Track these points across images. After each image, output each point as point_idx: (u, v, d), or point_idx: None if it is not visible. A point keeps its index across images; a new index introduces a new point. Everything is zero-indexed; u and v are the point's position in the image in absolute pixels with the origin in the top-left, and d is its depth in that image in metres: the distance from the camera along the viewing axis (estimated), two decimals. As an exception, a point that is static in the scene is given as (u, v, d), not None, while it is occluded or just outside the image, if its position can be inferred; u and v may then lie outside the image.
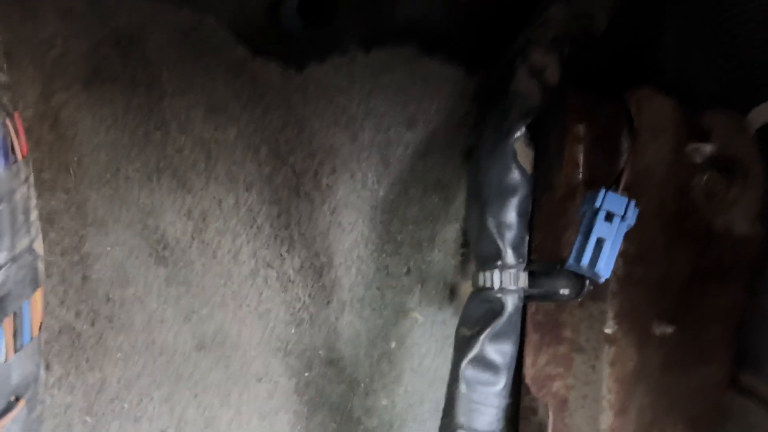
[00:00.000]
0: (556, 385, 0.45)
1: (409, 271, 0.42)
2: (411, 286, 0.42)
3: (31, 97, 0.41)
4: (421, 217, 0.42)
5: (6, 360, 0.31)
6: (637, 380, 0.43)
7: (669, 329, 0.42)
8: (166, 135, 0.41)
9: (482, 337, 0.34)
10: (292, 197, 0.41)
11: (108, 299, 0.41)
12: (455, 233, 0.42)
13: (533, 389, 0.44)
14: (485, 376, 0.34)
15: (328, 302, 0.42)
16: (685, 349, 0.43)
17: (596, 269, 0.34)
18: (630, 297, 0.43)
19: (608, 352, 0.43)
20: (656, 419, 0.44)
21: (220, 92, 0.41)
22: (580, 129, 0.43)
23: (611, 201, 0.34)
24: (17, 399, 0.31)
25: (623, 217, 0.34)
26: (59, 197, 0.41)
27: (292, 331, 0.42)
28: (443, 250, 0.42)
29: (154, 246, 0.41)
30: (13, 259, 0.33)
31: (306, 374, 0.42)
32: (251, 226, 0.42)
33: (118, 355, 0.40)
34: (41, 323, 0.34)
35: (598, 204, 0.34)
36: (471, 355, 0.34)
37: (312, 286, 0.42)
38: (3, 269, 0.32)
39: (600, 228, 0.34)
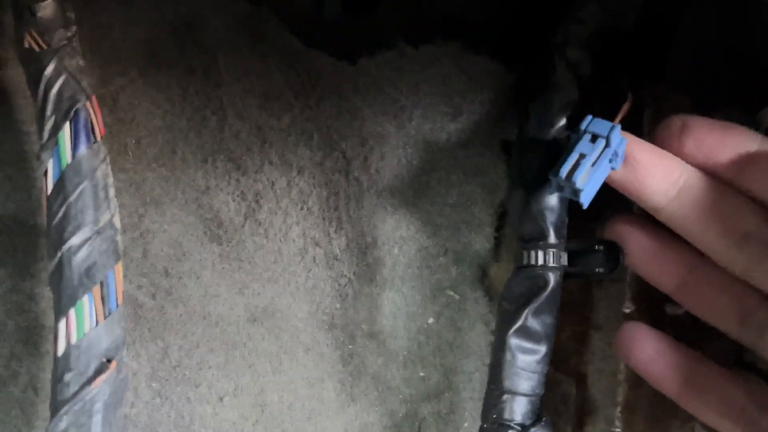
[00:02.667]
0: (574, 361, 0.49)
1: (446, 251, 0.45)
2: (447, 266, 0.46)
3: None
4: (459, 201, 0.45)
5: (97, 325, 0.33)
6: (651, 355, 0.47)
7: (680, 310, 0.46)
8: (223, 120, 0.43)
9: (527, 310, 0.37)
10: (341, 181, 0.44)
11: (167, 273, 0.43)
12: (491, 217, 0.45)
13: (554, 364, 0.48)
14: (529, 345, 0.38)
15: (371, 279, 0.45)
16: (694, 328, 0.47)
17: (573, 179, 0.34)
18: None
19: (626, 330, 0.47)
20: (669, 391, 0.48)
21: (275, 80, 0.43)
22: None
23: (596, 124, 0.35)
24: (108, 361, 0.33)
25: (607, 141, 0.34)
26: (119, 177, 0.43)
27: (337, 305, 0.45)
28: (478, 234, 0.45)
29: (209, 224, 0.44)
30: (98, 232, 0.35)
31: (350, 346, 0.45)
32: (301, 208, 0.44)
33: (178, 325, 0.43)
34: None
35: (583, 127, 0.35)
36: (516, 326, 0.37)
37: (357, 264, 0.45)
38: (89, 241, 0.35)
39: (583, 146, 0.34)
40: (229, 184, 0.44)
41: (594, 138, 0.35)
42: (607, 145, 0.34)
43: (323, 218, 0.44)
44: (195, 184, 0.44)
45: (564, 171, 0.34)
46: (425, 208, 0.45)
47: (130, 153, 0.44)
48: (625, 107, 0.36)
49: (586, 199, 0.35)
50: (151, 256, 0.43)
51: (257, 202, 0.44)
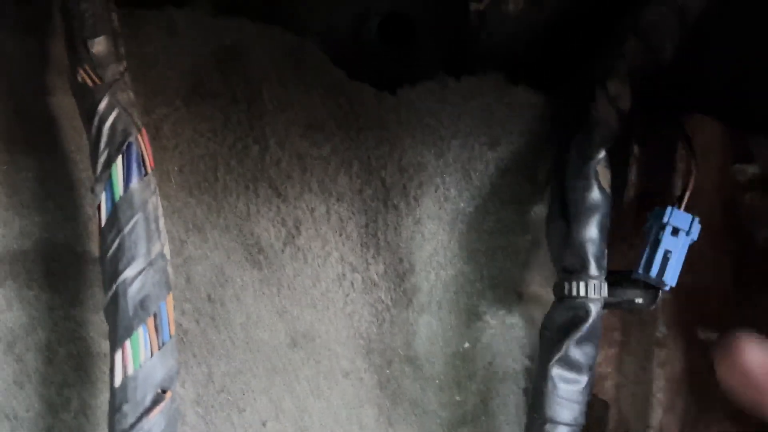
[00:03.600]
0: (607, 384, 0.50)
1: (482, 277, 0.46)
2: (484, 291, 0.46)
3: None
4: (496, 228, 0.45)
5: (152, 355, 0.34)
6: (684, 380, 0.48)
7: (713, 335, 0.46)
8: (265, 149, 0.44)
9: (568, 340, 0.38)
10: (380, 208, 0.45)
11: (210, 299, 0.44)
12: (526, 244, 0.46)
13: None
14: (571, 375, 0.38)
15: (408, 304, 0.46)
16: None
17: (664, 278, 0.38)
18: (679, 304, 0.47)
19: (659, 355, 0.47)
20: (701, 416, 0.48)
21: (317, 111, 0.44)
22: (635, 150, 0.47)
23: (677, 217, 0.39)
24: (164, 391, 0.34)
25: (688, 233, 0.38)
26: (161, 204, 0.44)
27: (375, 330, 0.46)
28: (514, 260, 0.46)
29: (250, 250, 0.45)
30: (150, 264, 0.36)
31: (387, 371, 0.46)
32: (340, 234, 0.45)
33: (221, 350, 0.44)
34: (173, 322, 0.37)
35: (665, 220, 0.38)
36: (558, 356, 0.38)
37: (394, 289, 0.46)
38: (142, 273, 0.35)
39: (667, 241, 0.38)
40: (269, 210, 0.44)
41: (675, 231, 0.38)
42: (688, 234, 0.38)
43: (361, 244, 0.45)
44: (236, 210, 0.44)
45: (655, 271, 0.38)
46: (462, 234, 0.45)
47: (173, 180, 0.44)
48: (691, 184, 0.39)
49: (672, 284, 0.39)
50: (194, 282, 0.44)
51: (297, 228, 0.45)
